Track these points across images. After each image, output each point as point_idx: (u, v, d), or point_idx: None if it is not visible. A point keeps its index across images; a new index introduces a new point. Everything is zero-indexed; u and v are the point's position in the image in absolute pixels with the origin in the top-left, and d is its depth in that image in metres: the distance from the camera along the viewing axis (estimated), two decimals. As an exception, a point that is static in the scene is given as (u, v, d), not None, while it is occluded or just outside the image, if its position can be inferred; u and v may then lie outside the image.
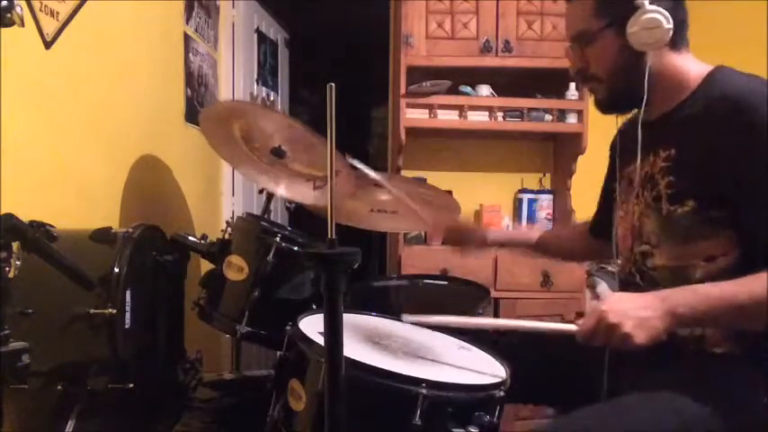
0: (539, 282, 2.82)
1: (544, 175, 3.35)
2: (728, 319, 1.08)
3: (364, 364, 1.04)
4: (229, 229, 1.73)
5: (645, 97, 1.17)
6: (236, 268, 1.63)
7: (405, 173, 3.12)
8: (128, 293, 1.28)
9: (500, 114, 2.96)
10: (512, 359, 1.21)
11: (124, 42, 1.89)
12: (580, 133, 2.96)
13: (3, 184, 1.09)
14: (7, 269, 0.88)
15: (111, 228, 1.35)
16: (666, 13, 1.12)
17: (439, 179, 3.01)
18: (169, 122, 2.32)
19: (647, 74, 1.16)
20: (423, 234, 3.02)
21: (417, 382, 1.01)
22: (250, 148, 1.78)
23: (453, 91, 2.96)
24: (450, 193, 2.53)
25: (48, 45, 1.46)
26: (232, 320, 1.61)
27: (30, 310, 1.06)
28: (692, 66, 1.19)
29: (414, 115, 2.94)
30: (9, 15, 0.82)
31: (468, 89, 3.00)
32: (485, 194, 3.25)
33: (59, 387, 1.21)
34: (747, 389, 1.10)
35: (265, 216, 2.04)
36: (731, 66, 1.18)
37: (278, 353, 1.21)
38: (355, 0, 3.88)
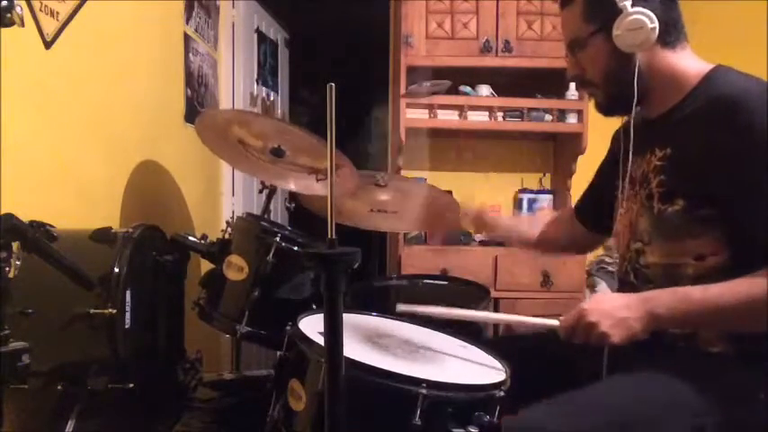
0: (539, 282, 2.82)
1: (544, 175, 3.35)
2: (708, 322, 1.11)
3: (364, 364, 1.04)
4: (229, 229, 1.73)
5: (635, 99, 1.17)
6: (236, 268, 1.63)
7: (405, 173, 3.12)
8: (128, 293, 1.28)
9: (500, 114, 2.96)
10: (511, 361, 1.21)
11: (124, 42, 1.89)
12: (580, 133, 2.96)
13: (3, 184, 1.09)
14: (7, 269, 0.88)
15: (111, 228, 1.35)
16: (650, 14, 1.12)
17: (439, 179, 3.02)
18: (169, 122, 2.32)
19: (636, 75, 1.16)
20: (423, 234, 3.02)
21: (417, 382, 1.01)
22: (249, 150, 1.78)
23: (453, 91, 2.95)
24: (450, 193, 2.53)
25: (48, 45, 1.46)
26: (232, 320, 1.61)
27: (30, 310, 1.06)
28: (691, 64, 1.19)
29: (414, 115, 2.94)
30: (9, 15, 0.82)
31: (468, 89, 3.00)
32: (485, 194, 3.25)
33: (59, 387, 1.21)
34: (742, 388, 1.10)
35: (265, 216, 2.04)
36: (731, 66, 1.18)
37: (278, 353, 1.21)
38: (355, 0, 3.88)
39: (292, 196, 2.19)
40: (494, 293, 2.42)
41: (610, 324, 1.08)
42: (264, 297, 1.59)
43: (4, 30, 0.83)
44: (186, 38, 2.45)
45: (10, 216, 0.94)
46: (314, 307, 1.52)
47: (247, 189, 3.19)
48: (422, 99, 2.91)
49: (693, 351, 1.15)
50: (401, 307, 1.31)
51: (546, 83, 3.00)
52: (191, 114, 2.45)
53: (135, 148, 1.98)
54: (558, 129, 3.03)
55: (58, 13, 1.49)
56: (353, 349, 1.12)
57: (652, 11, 1.12)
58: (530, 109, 2.96)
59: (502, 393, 1.08)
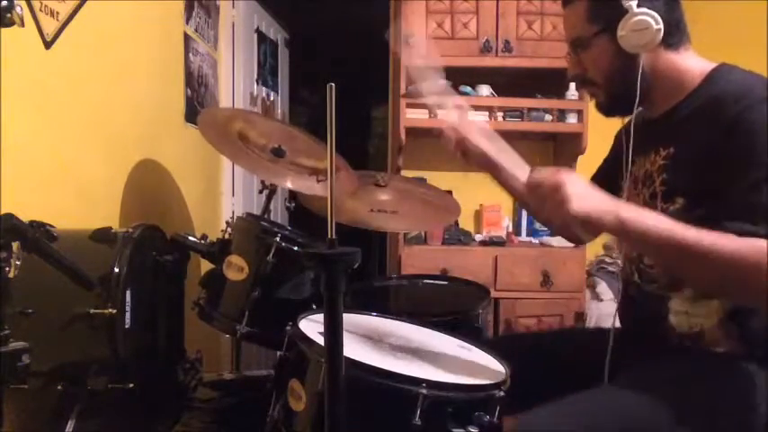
0: (539, 282, 2.83)
1: (544, 175, 3.35)
2: (674, 260, 1.05)
3: (364, 364, 1.04)
4: (229, 229, 1.73)
5: (637, 99, 1.17)
6: (236, 268, 1.63)
7: (405, 173, 3.12)
8: (128, 293, 1.28)
9: (500, 114, 2.96)
10: (511, 361, 1.21)
11: (124, 42, 1.89)
12: (580, 133, 2.96)
13: (3, 184, 1.09)
14: (7, 269, 0.88)
15: (111, 228, 1.35)
16: (655, 15, 1.12)
17: (439, 179, 3.01)
18: (169, 122, 2.32)
19: (639, 76, 1.16)
20: (423, 234, 3.02)
21: (417, 382, 1.01)
22: (249, 148, 1.78)
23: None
24: (450, 193, 2.53)
25: (48, 45, 1.46)
26: (232, 320, 1.61)
27: (30, 310, 1.06)
28: (694, 64, 1.19)
29: (414, 115, 2.94)
30: (9, 15, 0.82)
31: (468, 89, 3.00)
32: (485, 194, 3.25)
33: (59, 387, 1.21)
34: (747, 389, 1.10)
35: (265, 216, 2.04)
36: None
37: (278, 353, 1.21)
38: (355, 0, 3.88)
39: (292, 196, 2.19)
40: (494, 293, 2.42)
41: (573, 193, 1.01)
42: (264, 297, 1.59)
43: (4, 30, 0.83)
44: (186, 38, 2.45)
45: (10, 216, 0.94)
46: (314, 307, 1.52)
47: (247, 189, 3.19)
48: (422, 99, 2.90)
49: (699, 351, 1.15)
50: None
51: (546, 83, 3.00)
52: (191, 114, 2.45)
53: (135, 147, 1.98)
54: (558, 129, 3.03)
55: (58, 13, 1.49)
56: (353, 349, 1.12)
57: (656, 11, 1.12)
58: (530, 109, 2.97)
59: (502, 393, 1.08)
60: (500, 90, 3.01)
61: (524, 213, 3.24)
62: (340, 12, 4.32)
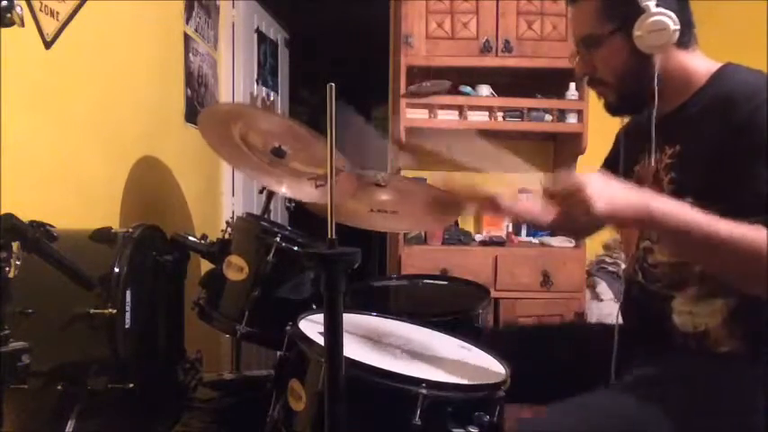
0: (539, 282, 2.83)
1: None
2: (700, 250, 1.04)
3: (364, 364, 1.04)
4: (229, 229, 1.73)
5: (656, 99, 1.16)
6: (236, 268, 1.63)
7: (405, 173, 3.12)
8: (128, 293, 1.28)
9: (500, 114, 2.96)
10: (512, 358, 1.21)
11: (124, 42, 1.89)
12: (580, 133, 2.96)
13: (3, 184, 1.09)
14: (7, 269, 0.88)
15: (111, 228, 1.35)
16: (673, 15, 1.11)
17: (439, 179, 3.01)
18: (169, 122, 2.32)
19: (656, 76, 1.15)
20: (423, 234, 3.02)
21: (417, 382, 1.01)
22: (250, 148, 1.78)
23: (453, 91, 2.96)
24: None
25: (48, 45, 1.46)
26: (232, 320, 1.61)
27: (30, 310, 1.06)
28: (700, 64, 1.18)
29: (414, 115, 2.94)
30: (9, 15, 0.81)
31: (468, 89, 3.00)
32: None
33: (59, 387, 1.21)
34: (751, 389, 1.10)
35: (265, 216, 2.04)
36: (731, 65, 1.18)
37: (278, 353, 1.21)
38: (355, 0, 3.88)
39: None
40: (494, 293, 2.41)
41: (598, 193, 0.99)
42: (264, 297, 1.59)
43: (4, 30, 0.83)
44: (186, 38, 2.45)
45: (10, 216, 0.94)
46: (314, 307, 1.52)
47: (247, 189, 3.19)
48: (422, 99, 2.91)
49: (703, 351, 1.15)
50: None
51: (546, 83, 3.00)
52: (191, 114, 2.45)
53: (135, 147, 1.98)
54: (558, 129, 3.03)
55: (58, 13, 1.49)
56: (353, 349, 1.12)
57: (672, 11, 1.11)
58: (530, 109, 2.96)
59: (502, 393, 1.08)
60: (500, 90, 3.01)
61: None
62: (340, 12, 4.32)
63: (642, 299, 1.25)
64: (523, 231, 3.25)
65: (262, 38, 3.50)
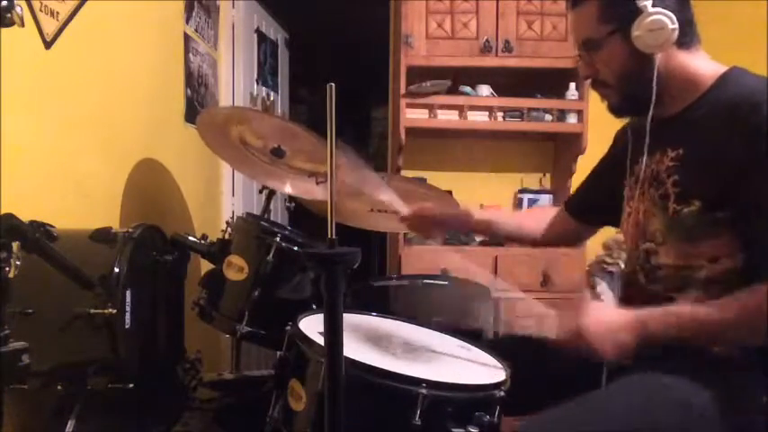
0: (539, 282, 2.82)
1: (544, 175, 3.35)
2: (698, 340, 1.12)
3: (364, 364, 1.04)
4: (229, 229, 1.73)
5: (653, 100, 1.16)
6: (236, 268, 1.63)
7: (405, 173, 3.12)
8: (128, 293, 1.28)
9: (500, 114, 2.96)
10: (512, 361, 1.21)
11: (124, 42, 1.89)
12: (580, 133, 2.96)
13: (3, 184, 1.09)
14: (7, 269, 0.88)
15: (111, 228, 1.35)
16: (670, 14, 1.11)
17: (439, 179, 3.01)
18: (169, 122, 2.32)
19: (655, 76, 1.15)
20: (422, 234, 3.01)
21: (417, 382, 1.01)
22: (249, 149, 1.78)
23: (453, 91, 2.95)
24: (450, 193, 2.53)
25: (48, 45, 1.46)
26: (232, 320, 1.61)
27: (30, 310, 1.06)
28: (705, 66, 1.18)
29: (414, 115, 2.94)
30: (9, 15, 0.82)
31: (468, 89, 3.00)
32: (485, 194, 3.25)
33: (59, 387, 1.21)
34: (744, 391, 1.10)
35: (265, 216, 2.04)
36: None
37: (278, 353, 1.21)
38: (355, 0, 3.88)
39: (292, 196, 2.19)
40: (494, 293, 2.42)
41: (606, 345, 1.10)
42: (264, 297, 1.59)
43: (4, 30, 0.83)
44: (186, 38, 2.45)
45: (10, 216, 0.94)
46: (314, 307, 1.52)
47: (247, 189, 3.19)
48: (422, 99, 2.91)
49: (698, 353, 1.15)
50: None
51: (546, 83, 3.00)
52: (191, 114, 2.45)
53: (135, 147, 1.98)
54: (558, 129, 3.03)
55: (58, 13, 1.49)
56: (353, 349, 1.12)
57: (669, 11, 1.11)
58: (530, 109, 2.96)
59: (502, 393, 1.08)
60: (500, 90, 3.01)
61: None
62: (340, 12, 4.32)
63: (641, 300, 1.25)
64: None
65: (262, 38, 3.50)
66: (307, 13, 4.09)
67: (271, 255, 1.58)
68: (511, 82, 3.04)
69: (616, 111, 1.26)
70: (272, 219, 2.39)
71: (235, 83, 3.12)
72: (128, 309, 1.28)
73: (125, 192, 1.87)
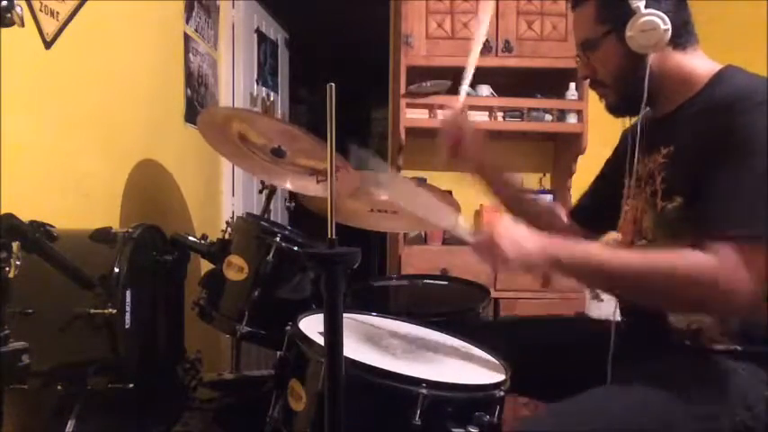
0: (539, 282, 2.82)
1: (544, 175, 3.35)
2: (598, 279, 1.16)
3: (364, 364, 1.04)
4: (229, 229, 1.73)
5: (645, 99, 1.18)
6: (236, 268, 1.63)
7: (405, 173, 3.12)
8: (128, 293, 1.28)
9: (500, 114, 2.96)
10: (511, 348, 1.22)
11: (124, 42, 1.89)
12: (580, 133, 2.95)
13: (3, 184, 1.09)
14: (7, 269, 0.88)
15: (111, 228, 1.35)
16: (663, 15, 1.12)
17: (439, 179, 3.01)
18: (169, 122, 2.32)
19: (647, 76, 1.16)
20: (423, 234, 3.01)
21: (417, 382, 1.01)
22: (249, 148, 1.78)
23: (453, 91, 2.95)
24: (450, 193, 2.53)
25: (48, 45, 1.46)
26: (232, 320, 1.61)
27: (30, 310, 1.06)
28: (700, 65, 1.19)
29: (414, 115, 2.93)
30: (9, 15, 0.82)
31: (469, 89, 3.00)
32: (485, 194, 3.25)
33: (59, 387, 1.21)
34: (745, 386, 1.10)
35: (265, 216, 2.04)
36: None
37: (278, 353, 1.21)
38: (355, 0, 3.88)
39: (292, 196, 2.19)
40: (494, 293, 2.42)
41: (510, 250, 1.11)
42: (264, 297, 1.59)
43: (4, 30, 0.83)
44: (186, 38, 2.45)
45: (10, 216, 0.94)
46: (314, 307, 1.52)
47: (247, 189, 3.19)
48: (422, 99, 2.91)
49: (698, 349, 1.15)
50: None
51: (546, 83, 3.00)
52: (191, 114, 2.45)
53: (135, 147, 1.98)
54: (558, 129, 3.03)
55: (58, 13, 1.49)
56: (353, 349, 1.12)
57: (664, 12, 1.12)
58: (530, 109, 2.96)
59: (502, 393, 1.08)
60: (500, 90, 3.01)
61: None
62: (340, 12, 4.32)
63: None
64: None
65: (262, 38, 3.50)
66: (307, 13, 4.09)
67: (271, 255, 1.58)
68: (511, 82, 3.04)
69: (613, 110, 1.28)
70: (272, 219, 2.39)
71: (235, 83, 3.12)
72: (128, 309, 1.28)
73: (125, 192, 1.87)
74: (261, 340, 1.63)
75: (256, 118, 2.08)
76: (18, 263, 0.91)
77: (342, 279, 0.82)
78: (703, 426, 1.07)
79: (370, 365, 1.03)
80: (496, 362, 1.22)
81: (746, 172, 1.04)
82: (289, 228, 1.98)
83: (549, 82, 2.98)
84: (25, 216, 1.01)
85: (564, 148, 3.21)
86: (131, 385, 1.24)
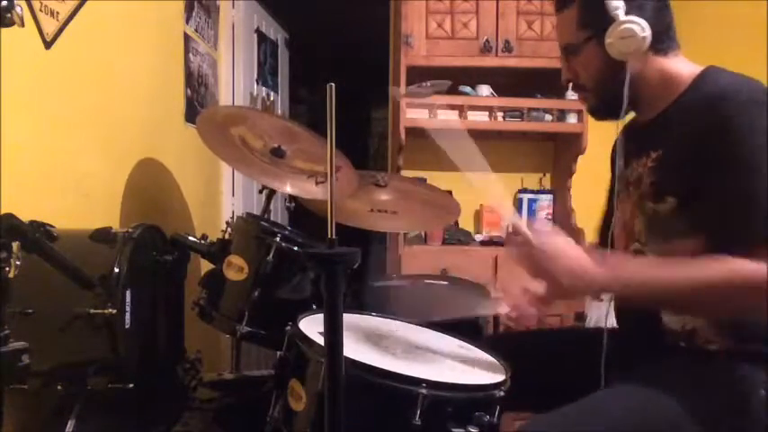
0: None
1: (544, 175, 3.35)
2: (673, 303, 1.12)
3: (364, 364, 1.04)
4: (229, 229, 1.73)
5: (624, 104, 1.18)
6: (236, 268, 1.63)
7: (405, 173, 3.12)
8: (128, 293, 1.28)
9: (500, 114, 2.96)
10: (510, 358, 1.21)
11: (124, 42, 1.89)
12: (580, 133, 2.96)
13: (3, 184, 1.09)
14: (7, 269, 0.88)
15: (111, 228, 1.35)
16: (642, 22, 1.12)
17: (439, 179, 3.01)
18: (169, 122, 2.32)
19: (627, 82, 1.17)
20: (423, 234, 3.01)
21: (417, 382, 1.01)
22: (249, 149, 1.78)
23: (453, 91, 2.95)
24: (450, 193, 2.53)
25: (48, 45, 1.46)
26: (232, 320, 1.61)
27: (30, 310, 1.06)
28: (682, 68, 1.20)
29: (414, 115, 2.94)
30: (9, 15, 0.81)
31: (468, 89, 3.00)
32: (485, 194, 3.24)
33: (59, 387, 1.21)
34: (742, 386, 1.10)
35: (265, 216, 2.04)
36: (731, 67, 1.18)
37: (278, 353, 1.21)
38: (355, 0, 3.88)
39: (292, 196, 2.19)
40: (494, 294, 2.42)
41: (576, 279, 1.09)
42: (264, 297, 1.59)
43: (4, 30, 0.83)
44: (186, 38, 2.45)
45: (10, 216, 0.94)
46: (314, 307, 1.52)
47: (247, 189, 3.19)
48: (422, 99, 2.91)
49: (693, 350, 1.15)
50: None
51: (546, 83, 3.00)
52: (191, 114, 2.45)
53: (135, 147, 1.98)
54: (558, 129, 3.03)
55: (58, 13, 1.49)
56: (353, 349, 1.12)
57: (645, 18, 1.13)
58: (530, 109, 2.96)
59: (502, 393, 1.08)
60: (500, 90, 3.01)
61: (524, 214, 3.24)
62: (340, 12, 4.32)
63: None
64: (523, 231, 3.25)
65: (262, 38, 3.50)
66: (307, 13, 4.09)
67: (271, 255, 1.58)
68: (511, 82, 3.04)
69: (593, 113, 1.30)
70: (272, 219, 2.39)
71: (235, 83, 3.12)
72: (128, 309, 1.28)
73: (125, 192, 1.87)
74: (261, 340, 1.63)
75: (257, 115, 2.08)
76: (18, 263, 0.91)
77: (342, 279, 0.82)
78: (700, 427, 1.07)
79: (370, 365, 1.04)
80: (496, 362, 1.22)
81: (755, 174, 1.04)
82: (289, 228, 1.98)
83: (549, 82, 2.97)
84: (25, 216, 1.01)
85: (564, 148, 3.21)
86: (131, 385, 1.24)
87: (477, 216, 3.27)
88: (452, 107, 2.94)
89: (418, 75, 2.91)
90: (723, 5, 3.01)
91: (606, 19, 1.14)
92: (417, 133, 3.01)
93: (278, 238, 1.59)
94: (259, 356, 2.74)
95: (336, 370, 0.84)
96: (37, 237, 1.00)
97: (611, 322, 1.27)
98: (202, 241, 1.74)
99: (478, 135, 3.35)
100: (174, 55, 2.36)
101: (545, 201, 3.23)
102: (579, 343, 1.35)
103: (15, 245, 0.93)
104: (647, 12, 1.14)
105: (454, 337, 1.37)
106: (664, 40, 1.17)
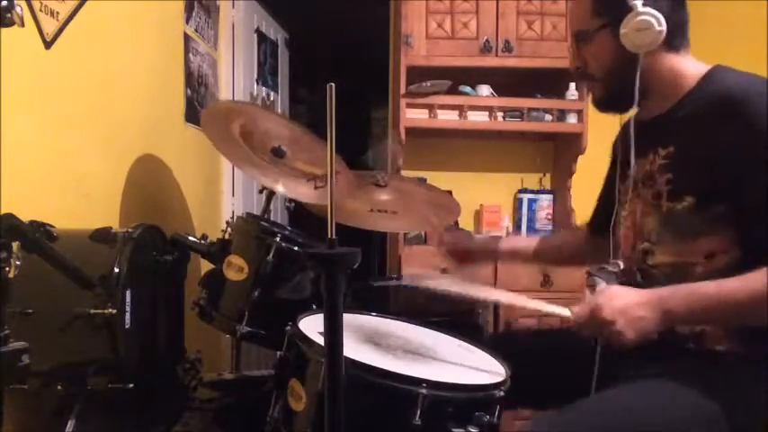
0: (539, 282, 2.82)
1: (544, 175, 3.35)
2: (726, 318, 1.10)
3: (364, 364, 1.04)
4: (229, 229, 1.73)
5: (636, 99, 1.17)
6: (236, 268, 1.63)
7: (405, 173, 3.12)
8: (128, 293, 1.28)
9: (500, 114, 2.96)
10: (511, 359, 1.21)
11: (124, 42, 1.89)
12: (580, 133, 2.96)
13: (3, 184, 1.09)
14: (7, 269, 0.88)
15: (111, 228, 1.35)
16: (659, 15, 1.11)
17: (439, 179, 3.01)
18: (169, 122, 2.32)
19: (638, 75, 1.16)
20: (423, 234, 3.02)
21: (417, 382, 1.01)
22: (250, 146, 1.78)
23: (453, 91, 2.95)
24: (450, 193, 2.53)
25: (48, 45, 1.46)
26: (232, 320, 1.61)
27: (30, 310, 1.06)
28: (690, 66, 1.19)
29: (414, 115, 2.94)
30: (9, 15, 0.81)
31: (468, 89, 3.00)
32: (485, 194, 3.25)
33: (59, 387, 1.21)
34: (749, 387, 1.10)
35: (265, 216, 2.04)
36: (731, 65, 1.18)
37: (278, 353, 1.21)
38: (355, 0, 3.88)
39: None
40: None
41: (625, 323, 1.06)
42: (264, 297, 1.59)
43: (4, 30, 0.83)
44: (186, 38, 2.45)
45: (10, 216, 0.94)
46: (314, 307, 1.52)
47: (247, 189, 3.19)
48: (422, 99, 2.91)
49: (701, 351, 1.15)
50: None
51: (546, 83, 3.00)
52: (191, 114, 2.45)
53: (135, 147, 1.98)
54: (558, 129, 3.03)
55: (58, 13, 1.49)
56: (353, 349, 1.12)
57: (661, 12, 1.12)
58: (530, 109, 2.96)
59: (502, 393, 1.08)
60: (500, 90, 3.01)
61: (524, 214, 3.24)
62: (340, 12, 4.32)
63: None
64: (523, 231, 3.26)
65: (262, 38, 3.50)
66: (307, 13, 4.09)
67: (271, 255, 1.58)
68: (511, 82, 3.04)
69: (599, 104, 1.28)
70: (272, 219, 2.39)
71: (235, 83, 3.12)
72: (128, 309, 1.28)
73: (125, 191, 1.87)
74: (261, 340, 1.63)
75: (259, 112, 2.07)
76: (18, 263, 0.91)
77: (342, 279, 0.82)
78: (708, 428, 1.06)
79: (370, 365, 1.04)
80: (496, 362, 1.22)
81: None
82: (289, 228, 1.98)
83: (549, 82, 2.98)
84: (25, 216, 1.01)
85: (564, 148, 3.21)
86: (131, 385, 1.24)
87: (477, 216, 3.27)
88: (452, 107, 2.94)
89: (418, 75, 2.91)
90: (724, 5, 3.01)
91: (623, 8, 1.13)
92: (417, 133, 3.01)
93: (278, 238, 1.59)
94: (259, 356, 2.74)
95: (336, 370, 0.84)
96: (37, 237, 1.00)
97: None
98: (202, 241, 1.74)
99: (478, 135, 3.35)
100: (174, 55, 2.36)
101: (545, 201, 3.22)
102: (579, 343, 1.36)
103: (15, 245, 0.93)
104: (663, 7, 1.13)
105: (454, 337, 1.37)
106: (677, 36, 1.17)
